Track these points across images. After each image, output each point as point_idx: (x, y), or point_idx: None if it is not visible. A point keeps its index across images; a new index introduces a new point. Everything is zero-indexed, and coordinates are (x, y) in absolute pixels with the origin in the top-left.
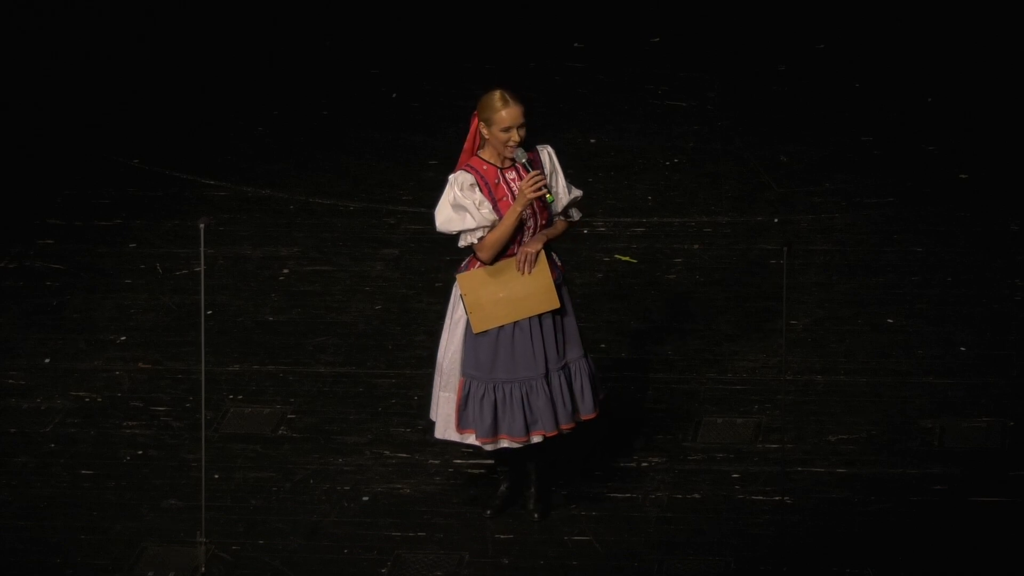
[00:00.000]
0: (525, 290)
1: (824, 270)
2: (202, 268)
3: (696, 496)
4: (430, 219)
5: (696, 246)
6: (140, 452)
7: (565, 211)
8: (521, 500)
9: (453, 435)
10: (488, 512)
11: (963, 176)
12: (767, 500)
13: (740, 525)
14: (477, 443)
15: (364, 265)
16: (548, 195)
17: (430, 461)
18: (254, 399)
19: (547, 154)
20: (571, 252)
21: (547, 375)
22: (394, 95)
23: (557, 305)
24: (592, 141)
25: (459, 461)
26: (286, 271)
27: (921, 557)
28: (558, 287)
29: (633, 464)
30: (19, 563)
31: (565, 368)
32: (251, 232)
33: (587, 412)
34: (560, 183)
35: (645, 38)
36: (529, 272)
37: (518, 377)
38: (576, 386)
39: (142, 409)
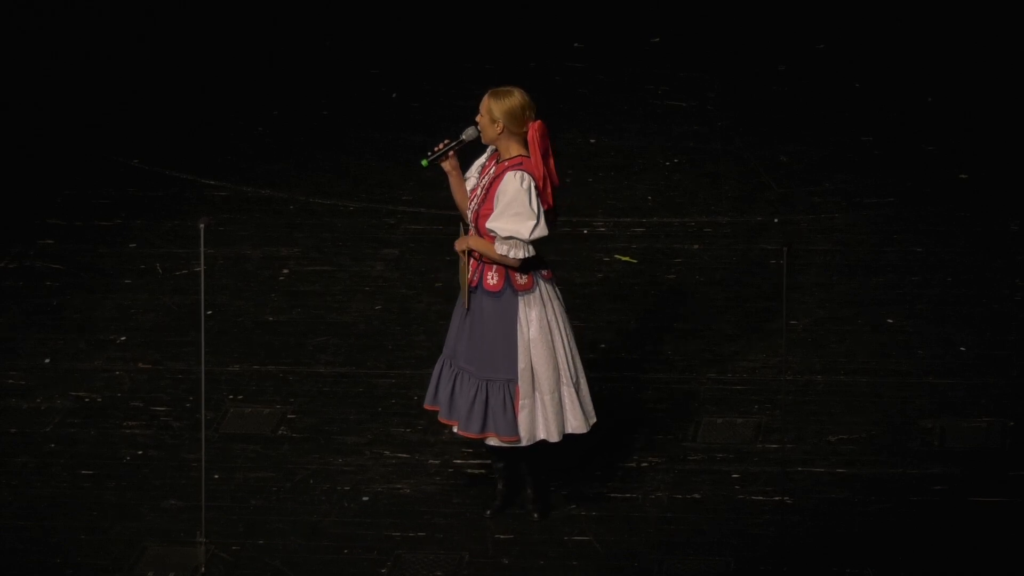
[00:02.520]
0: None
1: (824, 270)
2: (202, 268)
3: (696, 496)
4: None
5: (696, 246)
6: (140, 452)
7: (496, 242)
8: (521, 500)
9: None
10: (488, 512)
11: (963, 176)
12: (767, 500)
13: (740, 525)
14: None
15: (364, 265)
16: (424, 159)
17: (430, 461)
18: (254, 399)
19: (510, 179)
20: (571, 252)
21: (453, 359)
22: (394, 95)
23: (464, 305)
24: (592, 141)
25: (459, 461)
26: (286, 271)
27: (921, 557)
28: (489, 301)
29: (633, 464)
30: (19, 563)
31: (464, 372)
32: (251, 232)
33: (460, 426)
34: (494, 209)
35: (645, 38)
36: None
37: (446, 352)
38: (463, 394)
39: (142, 409)
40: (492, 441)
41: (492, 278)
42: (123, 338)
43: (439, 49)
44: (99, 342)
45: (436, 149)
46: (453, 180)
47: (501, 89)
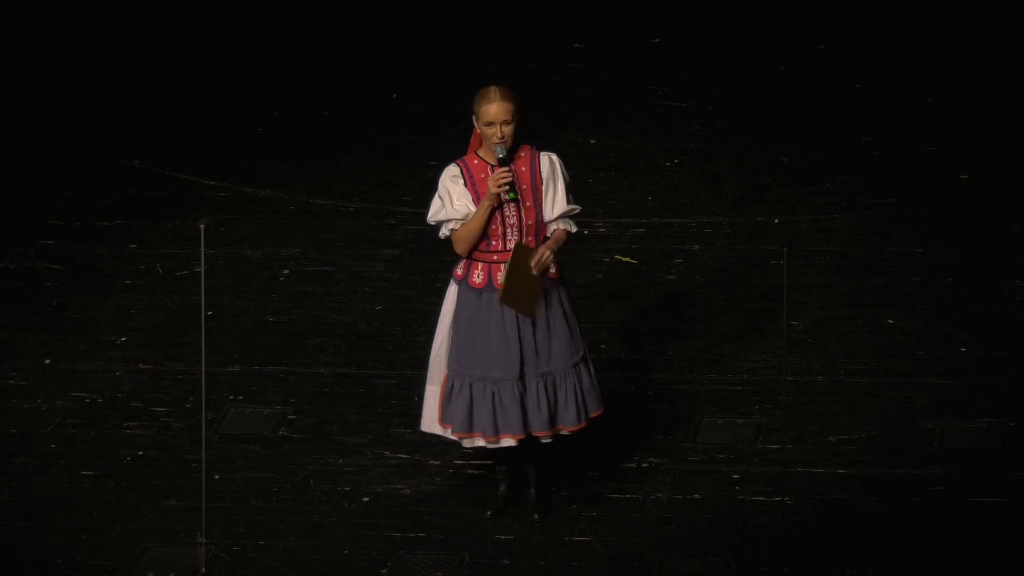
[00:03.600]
0: (530, 289)
1: (824, 270)
2: (202, 269)
3: (696, 496)
4: (435, 223)
5: (696, 246)
6: (140, 453)
7: (557, 220)
8: (521, 501)
9: (436, 428)
10: (488, 513)
11: (963, 176)
12: (767, 500)
13: (740, 525)
14: (454, 438)
15: (364, 266)
16: (510, 193)
17: (430, 462)
18: (254, 400)
19: (548, 160)
20: (571, 252)
21: (522, 378)
22: (394, 96)
23: (531, 315)
24: (592, 141)
25: (459, 462)
26: (286, 272)
27: (921, 557)
28: (553, 290)
29: (633, 464)
30: (19, 564)
31: (548, 376)
32: (251, 233)
33: (569, 424)
34: (554, 193)
35: (645, 38)
36: (538, 271)
37: (491, 376)
38: (560, 396)
39: (142, 410)
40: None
41: (552, 267)
42: (123, 339)
43: (439, 49)
44: (99, 343)
45: (504, 179)
46: (490, 209)
47: (491, 91)
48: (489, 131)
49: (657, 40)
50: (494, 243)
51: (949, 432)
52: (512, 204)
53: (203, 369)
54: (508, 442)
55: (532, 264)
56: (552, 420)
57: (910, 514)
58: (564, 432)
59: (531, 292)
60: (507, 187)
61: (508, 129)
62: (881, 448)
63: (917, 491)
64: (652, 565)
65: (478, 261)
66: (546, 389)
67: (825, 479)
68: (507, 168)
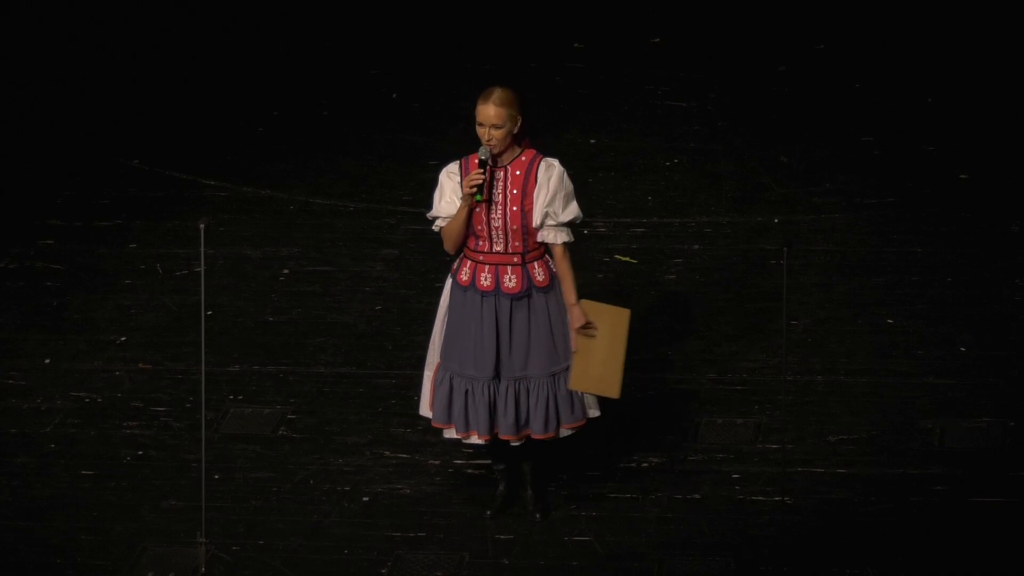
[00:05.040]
0: (604, 333)
1: (824, 270)
2: (202, 268)
3: (696, 496)
4: (431, 219)
5: (696, 246)
6: (140, 452)
7: (544, 231)
8: (521, 501)
9: (427, 412)
10: (488, 512)
11: (963, 176)
12: (767, 500)
13: (740, 525)
14: (434, 426)
15: (364, 265)
16: (476, 195)
17: (430, 462)
18: (254, 399)
19: (547, 166)
20: (571, 252)
21: (497, 379)
22: (394, 96)
23: (627, 312)
24: (592, 141)
25: (459, 462)
26: (286, 271)
27: (921, 557)
28: (540, 297)
29: (633, 464)
30: (19, 563)
31: (523, 381)
32: (251, 232)
33: (536, 431)
34: (544, 200)
35: (645, 38)
36: (594, 328)
37: (466, 373)
38: (532, 402)
39: (142, 410)
40: (565, 432)
41: (539, 274)
42: (123, 338)
43: (439, 49)
44: (99, 342)
45: (475, 181)
46: (467, 209)
47: (490, 92)
48: (479, 131)
49: (657, 40)
50: (481, 244)
51: (949, 432)
52: (487, 206)
53: (203, 369)
54: (475, 439)
55: (589, 333)
56: (519, 425)
57: (910, 514)
58: (534, 437)
59: (610, 371)
60: (475, 188)
61: (497, 133)
62: (881, 448)
63: (917, 491)
64: (652, 565)
65: (467, 259)
66: (516, 394)
67: (825, 479)
68: (481, 171)
